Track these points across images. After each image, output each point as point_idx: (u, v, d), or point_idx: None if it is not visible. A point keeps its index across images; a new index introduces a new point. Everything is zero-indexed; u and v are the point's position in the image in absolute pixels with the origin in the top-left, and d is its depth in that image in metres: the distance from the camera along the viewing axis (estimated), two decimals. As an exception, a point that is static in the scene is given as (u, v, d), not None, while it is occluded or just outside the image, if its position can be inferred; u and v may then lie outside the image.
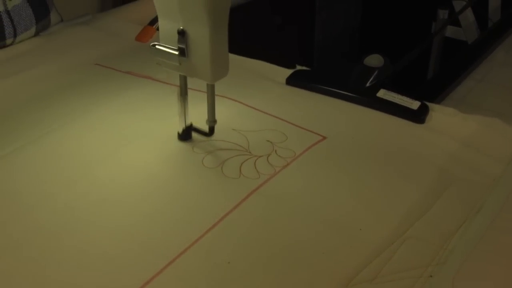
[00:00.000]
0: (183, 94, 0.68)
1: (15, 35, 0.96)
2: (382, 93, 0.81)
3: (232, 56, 0.92)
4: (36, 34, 1.01)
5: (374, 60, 0.85)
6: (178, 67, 0.65)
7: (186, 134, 0.71)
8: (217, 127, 0.72)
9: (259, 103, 0.78)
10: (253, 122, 0.75)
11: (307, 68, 0.90)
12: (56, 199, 0.62)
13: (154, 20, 1.05)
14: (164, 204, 0.61)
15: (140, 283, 0.51)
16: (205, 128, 0.70)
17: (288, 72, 0.87)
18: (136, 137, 0.72)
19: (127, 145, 0.70)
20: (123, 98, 0.82)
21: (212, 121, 0.69)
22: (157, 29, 1.03)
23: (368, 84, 0.83)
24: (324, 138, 0.73)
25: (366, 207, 0.61)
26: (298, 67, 0.89)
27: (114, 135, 0.73)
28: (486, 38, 1.30)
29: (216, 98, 0.80)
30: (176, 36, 0.62)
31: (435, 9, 1.62)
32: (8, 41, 0.96)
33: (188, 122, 0.70)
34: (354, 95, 0.81)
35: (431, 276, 0.52)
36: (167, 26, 0.63)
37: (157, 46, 0.65)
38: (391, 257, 0.54)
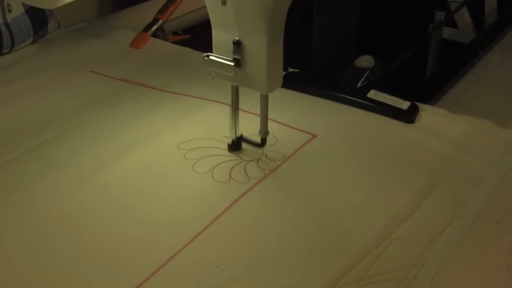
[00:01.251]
0: (235, 105, 0.68)
1: (12, 46, 0.97)
2: (372, 94, 0.81)
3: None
4: (33, 42, 1.02)
5: (365, 61, 0.86)
6: (233, 78, 0.64)
7: (236, 145, 0.71)
8: (209, 133, 0.73)
9: (251, 105, 0.79)
10: (245, 124, 0.75)
11: (299, 70, 0.91)
12: (51, 207, 0.63)
13: (149, 26, 1.06)
14: (155, 210, 0.62)
15: (131, 286, 0.52)
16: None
17: None
18: (129, 146, 0.73)
19: (120, 154, 0.71)
20: (117, 106, 0.82)
21: (264, 132, 0.68)
22: (152, 35, 1.04)
23: (359, 85, 0.83)
24: (314, 136, 0.73)
25: (354, 209, 0.62)
26: (290, 70, 0.90)
27: (108, 144, 0.73)
28: (482, 39, 1.30)
29: (208, 102, 0.82)
30: (231, 46, 0.62)
31: (432, 11, 1.62)
32: (5, 51, 0.97)
33: (238, 133, 0.70)
34: (345, 96, 0.82)
35: (415, 277, 0.53)
36: (222, 36, 0.62)
37: (211, 57, 0.64)
38: (377, 259, 0.55)
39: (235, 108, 0.68)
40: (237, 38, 0.61)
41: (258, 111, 0.68)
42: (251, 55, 0.62)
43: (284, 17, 0.61)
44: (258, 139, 0.70)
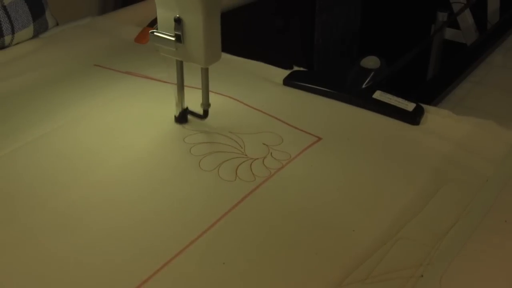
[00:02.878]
0: (180, 79, 0.73)
1: (13, 32, 0.97)
2: (378, 95, 0.81)
3: (230, 57, 0.94)
4: (35, 35, 1.02)
5: (371, 61, 0.86)
6: (175, 52, 0.70)
7: (182, 117, 0.75)
8: (215, 128, 0.74)
9: (256, 103, 0.79)
10: (250, 122, 0.75)
11: (304, 69, 0.91)
12: (54, 200, 0.62)
13: (153, 22, 1.06)
14: (161, 206, 0.62)
15: (136, 283, 0.52)
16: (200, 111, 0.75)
17: (285, 72, 0.88)
18: (135, 139, 0.73)
19: (126, 147, 0.71)
20: (122, 99, 0.82)
21: (206, 105, 0.74)
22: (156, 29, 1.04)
23: (364, 86, 0.83)
24: (320, 139, 0.73)
25: (360, 209, 0.62)
26: (296, 68, 0.90)
27: (113, 137, 0.74)
28: (484, 40, 1.31)
29: (216, 95, 0.82)
30: (173, 23, 0.67)
31: (434, 12, 1.63)
32: (7, 38, 0.96)
33: (184, 106, 0.75)
34: (350, 96, 0.82)
35: (422, 276, 0.53)
36: (165, 14, 0.68)
37: (155, 33, 0.69)
38: (383, 258, 0.55)
39: (180, 82, 0.73)
40: (177, 16, 0.67)
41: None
42: (190, 31, 0.67)
43: None
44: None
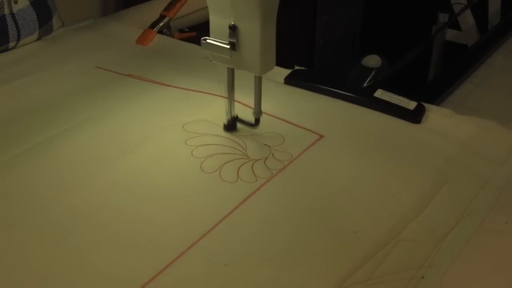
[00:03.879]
0: (230, 86, 0.72)
1: (18, 39, 0.97)
2: (379, 93, 0.82)
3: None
4: (39, 38, 1.02)
5: (372, 60, 0.86)
6: (228, 60, 0.68)
7: (231, 125, 0.74)
8: (216, 129, 0.74)
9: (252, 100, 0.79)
10: (252, 121, 0.75)
11: (306, 68, 0.91)
12: (56, 205, 0.63)
13: (155, 23, 1.06)
14: (163, 208, 0.62)
15: (138, 285, 0.52)
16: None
17: (286, 72, 0.89)
18: (137, 143, 0.73)
19: (128, 150, 0.71)
20: (123, 102, 0.83)
21: (258, 113, 0.72)
22: (158, 32, 1.05)
23: (365, 84, 0.84)
24: (322, 137, 0.74)
25: (361, 209, 0.62)
26: (297, 68, 0.90)
27: (115, 140, 0.74)
28: (485, 41, 1.31)
29: (214, 98, 0.82)
30: (226, 30, 0.65)
31: (435, 13, 1.63)
32: (11, 44, 0.97)
33: (234, 114, 0.74)
34: (351, 95, 0.82)
35: (422, 277, 0.53)
36: (218, 21, 0.66)
37: (208, 40, 0.68)
38: (385, 259, 0.55)
39: (230, 89, 0.72)
40: (232, 23, 0.65)
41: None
42: (245, 39, 0.65)
43: (277, 3, 0.65)
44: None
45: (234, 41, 0.66)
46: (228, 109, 0.73)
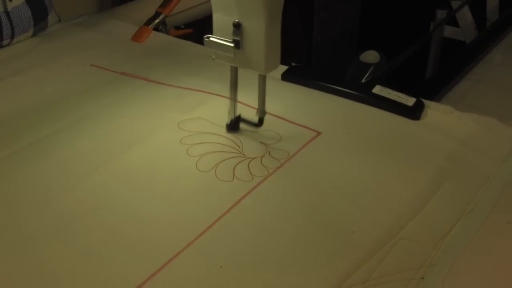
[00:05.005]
0: (234, 86, 0.70)
1: (12, 37, 0.96)
2: (377, 89, 0.81)
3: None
4: (33, 35, 1.01)
5: (370, 56, 0.85)
6: (232, 59, 0.66)
7: (234, 125, 0.73)
8: (211, 127, 0.72)
9: (254, 100, 0.78)
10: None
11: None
12: (51, 204, 0.62)
13: (150, 20, 1.05)
14: (157, 209, 0.61)
15: (133, 286, 0.51)
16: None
17: (283, 68, 0.88)
18: (132, 142, 0.72)
19: (122, 150, 0.70)
20: (118, 100, 0.81)
21: (262, 112, 0.71)
22: (154, 29, 1.04)
23: (363, 80, 0.83)
24: (319, 134, 0.73)
25: (359, 209, 0.61)
26: (294, 64, 0.89)
27: (109, 139, 0.73)
28: (483, 38, 1.30)
29: (210, 96, 0.81)
30: (230, 28, 0.64)
31: (433, 10, 1.62)
32: (5, 42, 0.96)
33: (236, 113, 0.72)
34: (349, 91, 0.81)
35: (422, 278, 0.52)
36: (222, 19, 0.65)
37: (211, 38, 0.66)
38: (383, 259, 0.54)
39: (233, 88, 0.70)
40: (237, 20, 0.63)
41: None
42: (250, 37, 0.64)
43: (282, 1, 0.63)
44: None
45: (238, 39, 0.64)
46: (231, 108, 0.71)
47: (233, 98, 0.71)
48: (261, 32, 0.63)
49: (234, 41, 0.64)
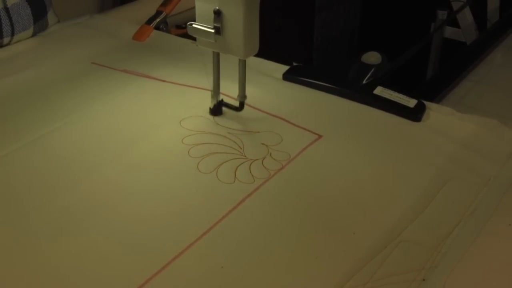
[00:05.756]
0: (216, 71, 0.74)
1: (12, 34, 0.96)
2: (379, 91, 0.81)
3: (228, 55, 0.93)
4: (34, 34, 1.01)
5: (372, 57, 0.85)
6: (213, 45, 0.70)
7: (217, 109, 0.76)
8: (213, 126, 0.73)
9: (255, 99, 0.78)
10: (249, 122, 0.75)
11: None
12: (51, 203, 0.62)
13: (151, 19, 1.05)
14: (158, 210, 0.61)
15: (134, 286, 0.51)
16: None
17: (285, 68, 0.88)
18: (133, 140, 0.72)
19: (123, 148, 0.70)
20: (119, 98, 0.81)
21: (242, 97, 0.75)
22: (155, 28, 1.04)
23: (365, 81, 0.83)
24: (320, 137, 0.73)
25: (360, 210, 0.61)
26: (295, 64, 0.89)
27: (111, 137, 0.73)
28: (484, 39, 1.30)
29: (210, 93, 0.81)
30: (211, 16, 0.68)
31: (434, 10, 1.62)
32: (5, 39, 0.96)
33: (219, 98, 0.76)
34: (350, 92, 0.81)
35: (424, 279, 0.52)
36: (204, 6, 0.69)
37: (194, 25, 0.70)
38: (385, 261, 0.54)
39: (216, 73, 0.74)
40: (217, 8, 0.67)
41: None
42: (229, 23, 0.68)
43: None
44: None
45: (218, 25, 0.68)
46: (214, 93, 0.75)
47: (216, 83, 0.74)
48: (240, 19, 0.66)
49: (214, 28, 0.68)
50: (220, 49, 0.71)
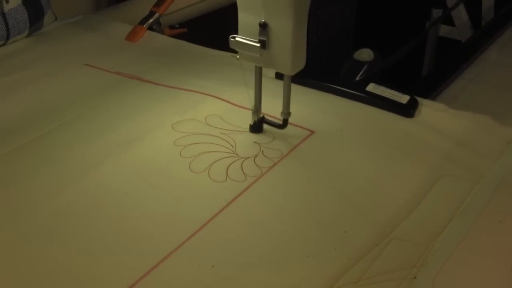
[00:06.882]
0: (258, 86, 0.70)
1: (7, 38, 0.96)
2: (371, 87, 0.81)
3: (221, 53, 0.93)
4: (28, 35, 1.01)
5: (364, 54, 0.85)
6: (257, 59, 0.66)
7: (258, 126, 0.72)
8: (205, 128, 0.72)
9: (247, 99, 0.78)
10: (241, 121, 0.74)
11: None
12: (45, 204, 0.62)
13: (145, 20, 1.05)
14: (150, 210, 0.61)
15: (125, 286, 0.51)
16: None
17: None
18: (125, 143, 0.71)
19: (116, 151, 0.70)
20: (112, 100, 0.81)
21: (286, 114, 0.70)
22: (148, 28, 1.03)
23: (357, 78, 0.83)
24: (312, 132, 0.72)
25: (352, 208, 0.61)
26: None
27: (103, 140, 0.72)
28: (479, 37, 1.30)
29: (204, 96, 0.81)
30: (256, 28, 0.63)
31: (429, 9, 1.62)
32: (0, 43, 0.95)
33: (260, 115, 0.72)
34: (343, 89, 0.81)
35: (415, 277, 0.52)
36: (248, 19, 0.64)
37: (237, 38, 0.66)
38: (376, 259, 0.54)
39: (258, 89, 0.70)
40: (263, 20, 0.63)
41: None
42: (276, 37, 0.63)
43: (309, 1, 0.63)
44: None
45: (264, 39, 0.63)
46: (255, 109, 0.71)
47: (258, 99, 0.70)
48: (288, 32, 0.62)
49: (260, 41, 0.64)
50: (264, 63, 0.67)
